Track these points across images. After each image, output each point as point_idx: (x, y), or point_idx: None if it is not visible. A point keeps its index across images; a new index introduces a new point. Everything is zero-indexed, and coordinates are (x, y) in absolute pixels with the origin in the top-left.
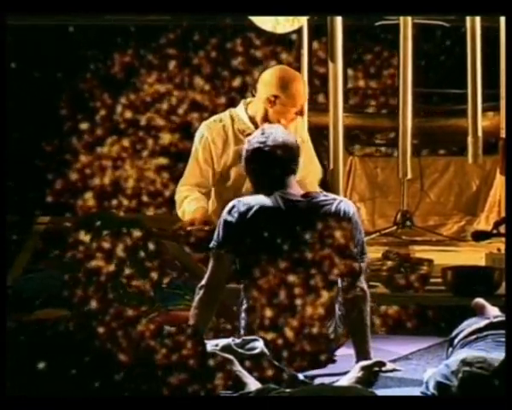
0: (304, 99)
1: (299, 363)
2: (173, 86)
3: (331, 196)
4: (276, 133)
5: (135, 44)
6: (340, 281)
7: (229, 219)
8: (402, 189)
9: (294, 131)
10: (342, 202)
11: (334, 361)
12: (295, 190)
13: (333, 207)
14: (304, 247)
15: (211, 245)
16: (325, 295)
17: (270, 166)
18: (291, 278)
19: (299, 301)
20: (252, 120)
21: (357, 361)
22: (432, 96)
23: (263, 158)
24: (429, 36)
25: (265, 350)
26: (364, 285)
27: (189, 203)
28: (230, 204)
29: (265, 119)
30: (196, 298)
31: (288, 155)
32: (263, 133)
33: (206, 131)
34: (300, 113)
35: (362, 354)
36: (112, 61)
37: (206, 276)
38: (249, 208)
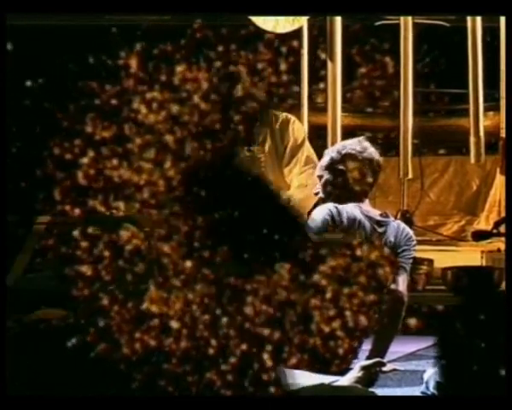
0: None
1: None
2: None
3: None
4: (372, 148)
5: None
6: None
7: (331, 218)
8: (402, 188)
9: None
10: (402, 224)
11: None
12: (369, 207)
13: (406, 229)
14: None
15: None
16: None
17: (358, 174)
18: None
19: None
20: None
21: (369, 358)
22: (432, 95)
23: (353, 165)
24: (430, 36)
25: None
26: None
27: None
28: (330, 206)
29: None
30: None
31: (374, 174)
32: (359, 142)
33: None
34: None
35: (378, 353)
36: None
37: None
38: (346, 215)
